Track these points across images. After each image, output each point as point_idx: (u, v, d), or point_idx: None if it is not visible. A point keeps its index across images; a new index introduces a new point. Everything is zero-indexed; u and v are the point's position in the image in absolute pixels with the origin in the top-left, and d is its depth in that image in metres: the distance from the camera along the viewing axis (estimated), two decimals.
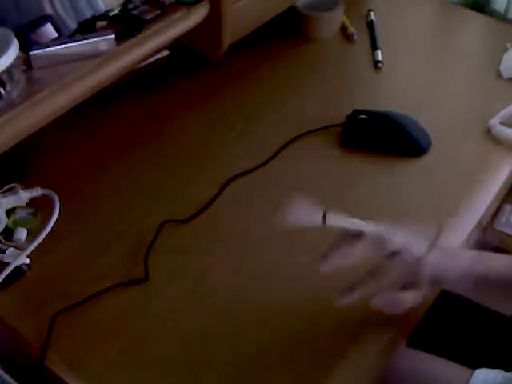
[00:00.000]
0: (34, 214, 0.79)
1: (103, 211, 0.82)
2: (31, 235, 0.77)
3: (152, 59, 0.98)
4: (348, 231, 0.65)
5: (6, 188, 0.79)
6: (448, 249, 0.67)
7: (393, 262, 0.63)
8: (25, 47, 0.67)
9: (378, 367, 0.70)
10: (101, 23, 0.74)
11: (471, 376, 0.78)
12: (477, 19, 1.18)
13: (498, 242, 1.01)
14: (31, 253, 0.74)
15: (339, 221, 0.64)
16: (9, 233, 0.77)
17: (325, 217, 0.63)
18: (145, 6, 0.77)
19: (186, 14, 0.79)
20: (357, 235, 0.64)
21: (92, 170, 0.87)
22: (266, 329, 0.70)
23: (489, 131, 0.94)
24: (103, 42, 0.71)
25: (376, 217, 0.65)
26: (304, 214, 0.64)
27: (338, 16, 1.12)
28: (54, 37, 0.69)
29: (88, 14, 0.72)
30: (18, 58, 0.65)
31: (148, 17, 0.76)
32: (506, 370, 0.79)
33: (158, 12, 0.77)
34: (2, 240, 0.76)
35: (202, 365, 0.67)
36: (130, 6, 0.77)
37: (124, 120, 0.95)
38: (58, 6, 0.69)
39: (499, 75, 1.03)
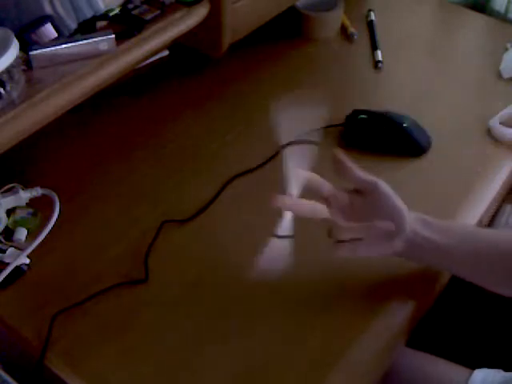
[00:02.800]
0: (34, 214, 0.79)
1: (103, 211, 0.82)
2: (31, 235, 0.77)
3: (152, 59, 0.98)
4: None
5: (5, 188, 0.79)
6: (428, 220, 0.70)
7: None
8: (25, 47, 0.67)
9: (378, 367, 0.70)
10: (101, 23, 0.74)
11: (470, 376, 0.78)
12: (477, 19, 1.18)
13: None
14: (31, 253, 0.74)
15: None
16: (9, 233, 0.77)
17: None
18: (145, 6, 0.77)
19: (186, 13, 0.79)
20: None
21: (92, 170, 0.87)
22: (269, 328, 0.70)
23: (489, 131, 0.94)
24: (103, 41, 0.71)
25: None
26: None
27: (337, 16, 1.12)
28: (54, 37, 0.69)
29: (88, 14, 0.72)
30: (17, 58, 0.65)
31: (148, 17, 0.76)
32: (506, 369, 0.79)
33: (158, 12, 0.77)
34: (2, 240, 0.76)
35: (202, 365, 0.67)
36: (130, 5, 0.77)
37: (124, 120, 0.95)
38: (57, 5, 0.69)
39: (499, 75, 1.03)
